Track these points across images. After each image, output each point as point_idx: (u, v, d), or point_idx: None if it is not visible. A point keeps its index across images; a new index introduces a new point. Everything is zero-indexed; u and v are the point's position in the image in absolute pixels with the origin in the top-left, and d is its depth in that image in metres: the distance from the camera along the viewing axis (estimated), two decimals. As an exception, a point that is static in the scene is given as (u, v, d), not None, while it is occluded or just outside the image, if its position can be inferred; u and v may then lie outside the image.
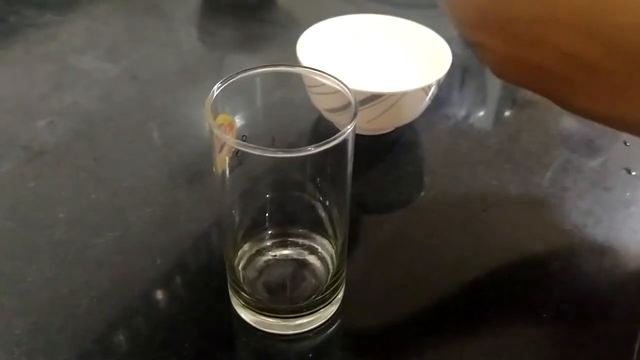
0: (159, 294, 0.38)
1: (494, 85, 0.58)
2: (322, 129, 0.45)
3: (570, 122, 0.53)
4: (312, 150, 0.27)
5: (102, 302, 0.37)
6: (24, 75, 0.58)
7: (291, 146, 0.38)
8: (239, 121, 0.32)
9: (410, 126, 0.51)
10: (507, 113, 0.55)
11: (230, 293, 0.37)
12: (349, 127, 0.28)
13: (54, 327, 0.35)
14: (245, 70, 0.31)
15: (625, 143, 0.50)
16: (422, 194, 0.46)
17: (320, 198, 0.34)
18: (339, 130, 0.36)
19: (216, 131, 0.28)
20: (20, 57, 0.61)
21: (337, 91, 0.32)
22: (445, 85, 0.50)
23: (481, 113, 0.55)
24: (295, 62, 0.46)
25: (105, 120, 0.52)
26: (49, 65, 0.59)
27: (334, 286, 0.35)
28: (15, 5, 0.69)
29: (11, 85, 0.56)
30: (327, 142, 0.27)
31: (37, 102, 0.54)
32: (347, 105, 0.32)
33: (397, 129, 0.50)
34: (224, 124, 0.31)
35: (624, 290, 0.39)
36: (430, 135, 0.52)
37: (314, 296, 0.35)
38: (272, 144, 0.37)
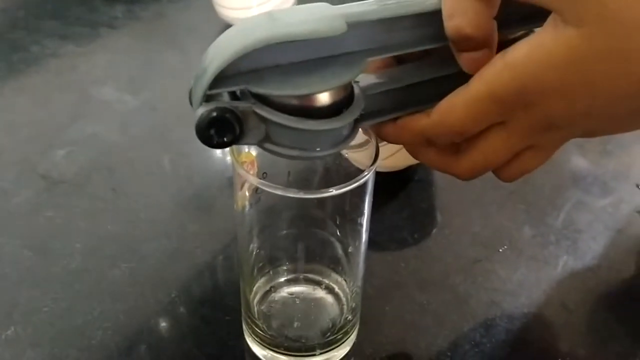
0: (174, 327, 0.38)
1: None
2: (336, 164, 0.45)
3: (582, 164, 0.53)
4: (334, 191, 0.28)
5: (116, 334, 0.37)
6: (44, 105, 0.59)
7: (306, 181, 0.39)
8: (260, 158, 0.33)
9: (423, 163, 0.51)
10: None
11: (244, 328, 0.37)
12: (370, 169, 0.29)
13: (69, 358, 0.36)
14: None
15: (637, 186, 0.51)
16: (435, 231, 0.46)
17: (338, 236, 0.34)
18: (352, 165, 0.37)
19: (239, 170, 0.29)
20: (41, 87, 0.62)
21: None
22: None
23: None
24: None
25: (123, 151, 0.53)
26: (69, 95, 0.60)
27: (348, 326, 0.35)
28: (37, 35, 0.70)
29: (31, 114, 0.58)
30: (349, 184, 0.28)
31: (57, 131, 0.55)
32: (364, 142, 0.32)
33: (410, 166, 0.51)
34: (246, 162, 0.31)
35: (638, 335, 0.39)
36: (443, 173, 0.52)
37: (327, 335, 0.35)
38: (288, 179, 0.38)
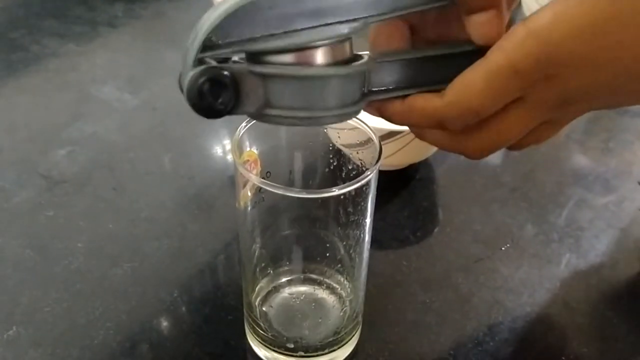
0: (175, 327, 0.38)
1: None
2: (340, 163, 0.45)
3: (584, 162, 0.53)
4: (336, 191, 0.27)
5: (118, 333, 0.37)
6: (45, 105, 0.59)
7: (309, 180, 0.38)
8: (263, 157, 0.33)
9: (425, 161, 0.51)
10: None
11: (247, 328, 0.37)
12: (373, 168, 0.29)
13: (71, 358, 0.35)
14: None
15: (639, 183, 0.51)
16: (437, 229, 0.46)
17: (341, 236, 0.34)
18: (354, 163, 0.37)
19: (241, 169, 0.29)
20: (41, 86, 0.62)
21: (355, 128, 0.32)
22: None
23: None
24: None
25: (124, 150, 0.52)
26: (70, 95, 0.60)
27: (351, 326, 0.35)
28: (38, 35, 0.70)
29: (32, 114, 0.57)
30: (352, 184, 0.28)
31: (58, 131, 0.54)
32: (366, 141, 0.32)
33: (412, 164, 0.51)
34: (249, 160, 0.31)
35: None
36: (445, 171, 0.52)
37: (329, 335, 0.35)
38: (289, 178, 0.38)
